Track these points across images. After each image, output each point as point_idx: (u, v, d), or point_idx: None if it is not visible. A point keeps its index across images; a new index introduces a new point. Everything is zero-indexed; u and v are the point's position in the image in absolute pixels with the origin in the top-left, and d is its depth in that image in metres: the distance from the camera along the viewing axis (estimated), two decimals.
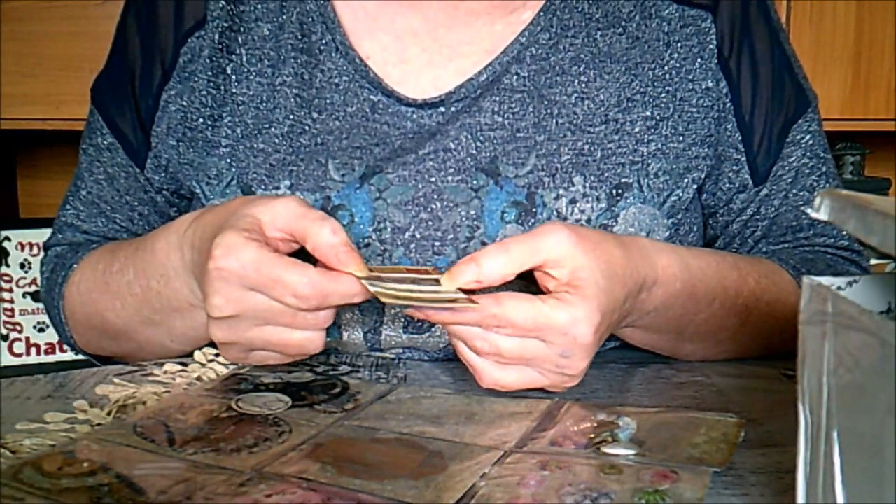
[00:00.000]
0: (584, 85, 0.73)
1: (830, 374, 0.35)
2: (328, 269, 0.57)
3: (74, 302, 0.78)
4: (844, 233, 0.79)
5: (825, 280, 0.37)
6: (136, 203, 0.81)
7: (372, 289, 0.56)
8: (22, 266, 1.61)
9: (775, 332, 0.72)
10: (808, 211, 0.37)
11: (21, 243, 1.61)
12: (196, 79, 0.75)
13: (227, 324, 0.58)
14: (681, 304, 0.65)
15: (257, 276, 0.56)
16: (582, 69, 0.73)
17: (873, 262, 1.43)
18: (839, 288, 0.39)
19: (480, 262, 0.55)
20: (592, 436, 0.52)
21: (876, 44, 1.46)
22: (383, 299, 0.56)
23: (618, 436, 0.51)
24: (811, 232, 0.80)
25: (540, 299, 0.55)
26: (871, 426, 0.32)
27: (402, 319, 0.70)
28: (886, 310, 0.39)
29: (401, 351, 0.72)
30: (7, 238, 1.60)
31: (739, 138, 0.76)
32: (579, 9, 0.75)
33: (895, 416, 0.30)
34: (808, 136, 0.79)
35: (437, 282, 0.56)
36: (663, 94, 0.73)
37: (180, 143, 0.75)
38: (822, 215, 0.36)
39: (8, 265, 1.60)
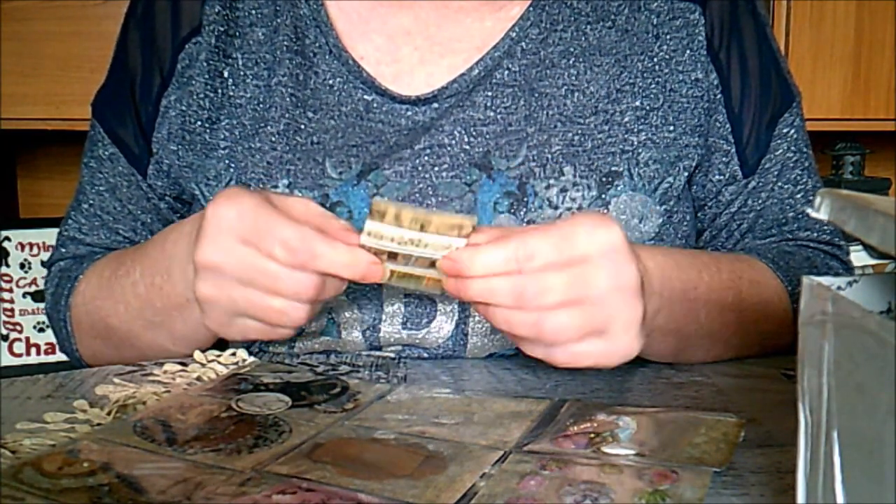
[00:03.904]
0: (573, 77, 0.74)
1: (830, 374, 0.35)
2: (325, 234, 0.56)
3: (80, 311, 0.78)
4: (826, 227, 0.81)
5: (825, 280, 0.37)
6: (139, 212, 0.81)
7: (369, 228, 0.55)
8: (22, 266, 1.61)
9: (770, 315, 0.72)
10: (808, 211, 0.37)
11: (21, 243, 1.61)
12: (194, 83, 0.75)
13: (211, 276, 0.57)
14: (676, 277, 0.65)
15: (252, 223, 0.55)
16: (572, 62, 0.74)
17: (873, 262, 1.44)
18: (839, 288, 0.39)
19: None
20: (592, 436, 0.52)
21: (876, 44, 1.46)
22: (366, 240, 0.55)
23: (618, 436, 0.51)
24: (795, 226, 0.81)
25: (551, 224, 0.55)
26: (871, 426, 0.32)
27: (401, 316, 0.70)
28: (886, 310, 0.39)
29: (400, 348, 0.72)
30: (7, 238, 1.60)
31: (729, 129, 0.77)
32: (568, 3, 0.76)
33: (895, 416, 0.30)
34: (792, 130, 0.80)
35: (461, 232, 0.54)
36: (653, 85, 0.74)
37: (180, 147, 0.76)
38: (822, 215, 0.36)
39: (8, 265, 1.60)
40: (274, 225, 0.55)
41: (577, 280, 0.53)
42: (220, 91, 0.75)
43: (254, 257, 0.56)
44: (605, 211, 0.71)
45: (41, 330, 1.60)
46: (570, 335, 0.54)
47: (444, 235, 0.54)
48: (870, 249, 1.44)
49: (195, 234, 0.62)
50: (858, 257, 1.42)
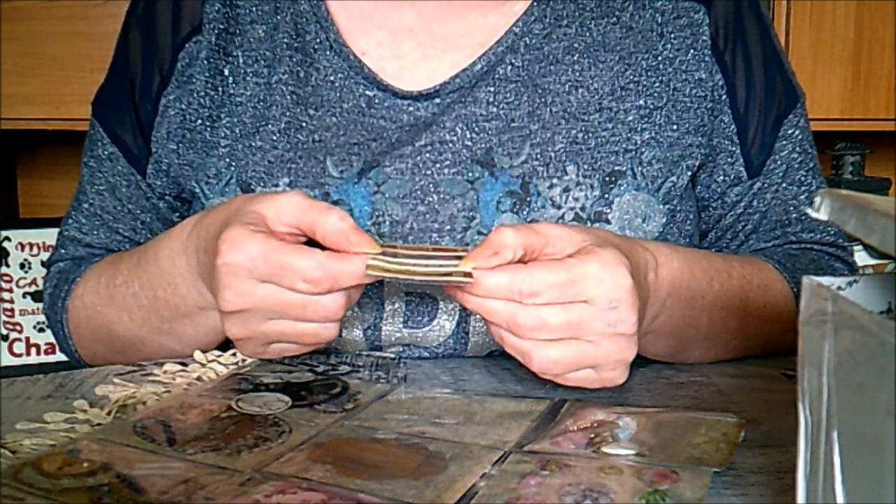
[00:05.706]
0: (577, 74, 0.74)
1: (830, 374, 0.35)
2: (336, 252, 0.57)
3: (79, 315, 0.78)
4: (830, 228, 0.81)
5: (825, 280, 0.37)
6: (138, 211, 0.81)
7: (370, 262, 0.56)
8: (22, 266, 1.61)
9: (774, 318, 0.72)
10: (808, 211, 0.37)
11: (21, 243, 1.61)
12: (194, 81, 0.75)
13: (239, 318, 0.58)
14: (686, 285, 0.66)
15: (266, 265, 0.56)
16: (575, 58, 0.74)
17: (873, 262, 1.44)
18: (839, 288, 0.39)
19: (490, 238, 0.56)
20: (592, 436, 0.52)
21: (876, 44, 1.46)
22: (370, 272, 0.55)
23: (618, 436, 0.51)
24: (799, 227, 0.81)
25: (563, 259, 0.55)
26: (871, 426, 0.32)
27: (402, 314, 0.70)
28: (886, 310, 0.39)
29: (400, 348, 0.72)
30: (7, 238, 1.60)
31: (734, 130, 0.77)
32: None
33: (895, 416, 0.30)
34: (797, 131, 0.80)
35: (460, 258, 0.56)
36: (657, 84, 0.74)
37: (180, 146, 0.76)
38: (822, 215, 0.36)
39: (8, 265, 1.60)
40: (289, 260, 0.55)
41: (575, 321, 0.54)
42: (220, 89, 0.75)
43: (278, 293, 0.56)
44: (608, 211, 0.71)
45: (41, 330, 1.60)
46: (558, 370, 0.56)
47: (441, 257, 0.56)
48: (870, 249, 1.44)
49: (193, 252, 0.64)
50: (858, 257, 1.42)
